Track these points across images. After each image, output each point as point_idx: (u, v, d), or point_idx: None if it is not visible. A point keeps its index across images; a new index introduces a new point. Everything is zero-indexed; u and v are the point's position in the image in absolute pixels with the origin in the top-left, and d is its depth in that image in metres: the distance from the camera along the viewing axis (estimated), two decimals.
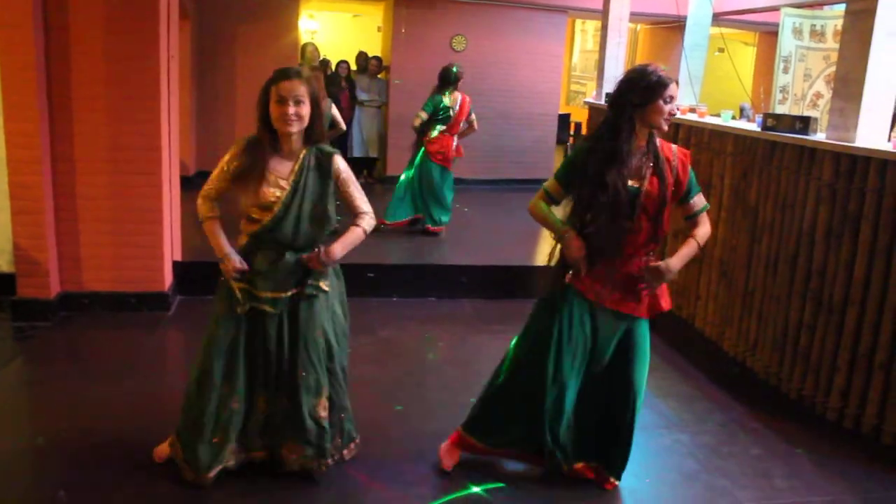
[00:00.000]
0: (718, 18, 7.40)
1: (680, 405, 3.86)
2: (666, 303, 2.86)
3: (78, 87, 4.39)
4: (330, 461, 2.88)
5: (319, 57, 8.83)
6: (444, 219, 6.68)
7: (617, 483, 3.01)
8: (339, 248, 2.76)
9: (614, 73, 6.72)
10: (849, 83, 3.56)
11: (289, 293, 2.75)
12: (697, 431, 3.58)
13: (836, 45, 4.23)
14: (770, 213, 4.04)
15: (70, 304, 4.62)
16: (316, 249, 2.76)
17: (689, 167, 2.80)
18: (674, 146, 2.80)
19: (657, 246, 2.79)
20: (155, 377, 3.87)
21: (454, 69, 6.44)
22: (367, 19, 11.93)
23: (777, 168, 3.98)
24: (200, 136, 8.42)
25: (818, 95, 6.42)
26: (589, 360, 2.86)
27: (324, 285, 2.83)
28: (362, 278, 5.31)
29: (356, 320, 4.77)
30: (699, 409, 3.83)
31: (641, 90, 2.59)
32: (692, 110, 5.15)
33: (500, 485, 2.99)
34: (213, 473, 2.81)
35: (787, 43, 6.55)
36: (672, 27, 10.26)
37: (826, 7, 6.90)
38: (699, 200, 2.83)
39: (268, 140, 2.67)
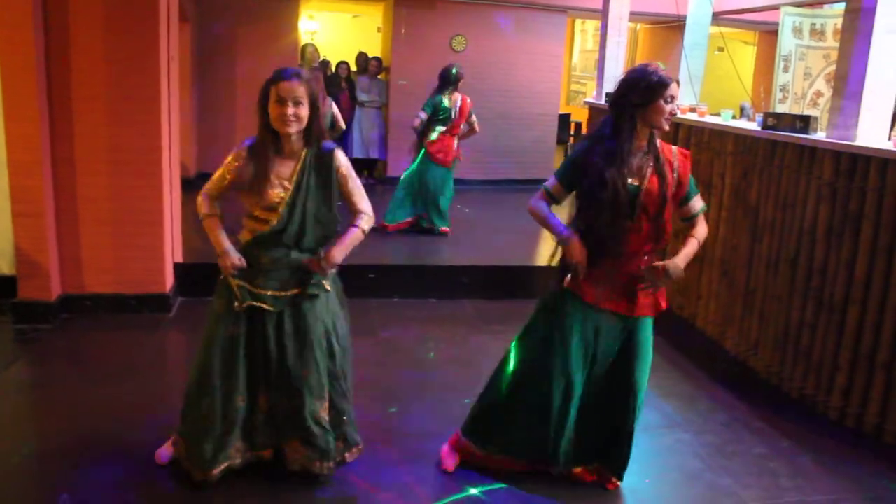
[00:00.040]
0: (718, 17, 7.39)
1: (682, 405, 3.86)
2: (664, 302, 2.86)
3: (78, 89, 4.39)
4: (332, 464, 2.88)
5: (319, 58, 8.84)
6: (444, 225, 6.68)
7: (619, 483, 3.01)
8: (340, 252, 2.76)
9: (614, 72, 6.72)
10: (849, 82, 3.56)
11: (290, 293, 2.75)
12: (700, 431, 3.58)
13: (836, 44, 4.23)
14: (771, 212, 4.04)
15: (71, 307, 4.62)
16: (316, 254, 2.77)
17: (689, 169, 2.80)
18: (674, 147, 2.80)
19: (659, 246, 2.79)
20: (156, 379, 3.87)
21: (454, 70, 6.45)
22: (367, 20, 11.94)
23: (777, 167, 3.98)
24: (201, 137, 8.43)
25: (818, 94, 6.42)
26: (591, 364, 2.86)
27: (326, 284, 2.83)
28: (363, 279, 5.31)
29: (357, 321, 4.78)
30: (701, 409, 3.83)
31: (642, 90, 2.59)
32: (692, 110, 5.15)
33: (501, 486, 2.99)
34: (218, 471, 2.80)
35: (787, 42, 6.55)
36: (672, 26, 10.26)
37: (826, 6, 6.90)
38: (698, 202, 2.84)
39: (270, 141, 2.67)
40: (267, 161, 2.66)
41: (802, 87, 6.54)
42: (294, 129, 2.63)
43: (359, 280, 5.27)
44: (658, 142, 2.75)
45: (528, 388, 2.89)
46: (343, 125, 6.32)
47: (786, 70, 6.59)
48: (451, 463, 3.07)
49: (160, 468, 2.94)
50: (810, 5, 6.84)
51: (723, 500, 3.00)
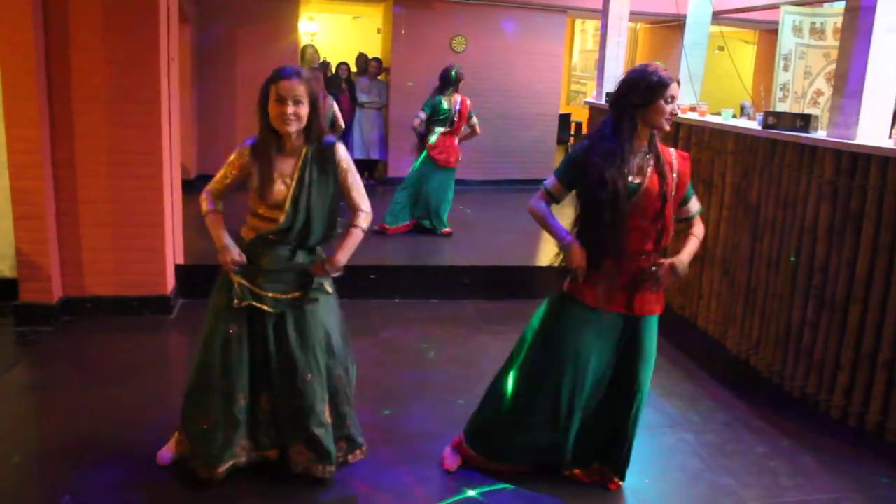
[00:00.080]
0: (718, 17, 7.39)
1: (683, 404, 3.86)
2: (664, 300, 2.86)
3: (78, 90, 4.39)
4: (333, 467, 2.87)
5: (319, 59, 8.84)
6: (445, 227, 6.68)
7: (621, 483, 3.01)
8: (343, 254, 2.77)
9: (614, 72, 6.72)
10: (849, 80, 3.56)
11: (290, 296, 2.75)
12: (701, 430, 3.58)
13: (837, 43, 4.23)
14: (771, 211, 4.03)
15: (72, 309, 4.63)
16: (319, 259, 2.77)
17: (689, 172, 2.81)
18: (672, 150, 2.80)
19: (660, 246, 2.79)
20: (157, 380, 3.87)
21: (453, 72, 6.45)
22: (367, 21, 11.95)
23: (778, 166, 3.98)
24: (201, 139, 8.43)
25: (819, 93, 6.41)
26: (595, 366, 2.86)
27: (327, 287, 2.83)
28: (364, 280, 5.31)
29: (358, 322, 4.82)
30: (703, 408, 3.83)
31: (642, 90, 2.60)
32: (693, 109, 5.15)
33: (502, 486, 2.99)
34: (223, 468, 2.80)
35: (787, 41, 6.54)
36: (672, 26, 10.26)
37: (826, 4, 6.89)
38: (695, 204, 2.87)
39: (272, 140, 2.67)
40: (269, 159, 2.67)
41: (803, 86, 6.54)
42: (294, 127, 2.63)
43: (360, 281, 5.27)
44: (658, 143, 2.75)
45: (534, 398, 2.89)
46: (343, 125, 6.33)
47: (786, 69, 6.58)
48: (452, 463, 3.08)
49: (162, 469, 2.94)
50: (810, 4, 6.84)
51: (723, 499, 3.00)
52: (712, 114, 5.04)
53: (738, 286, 4.33)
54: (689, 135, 4.90)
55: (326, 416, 2.83)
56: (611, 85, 6.32)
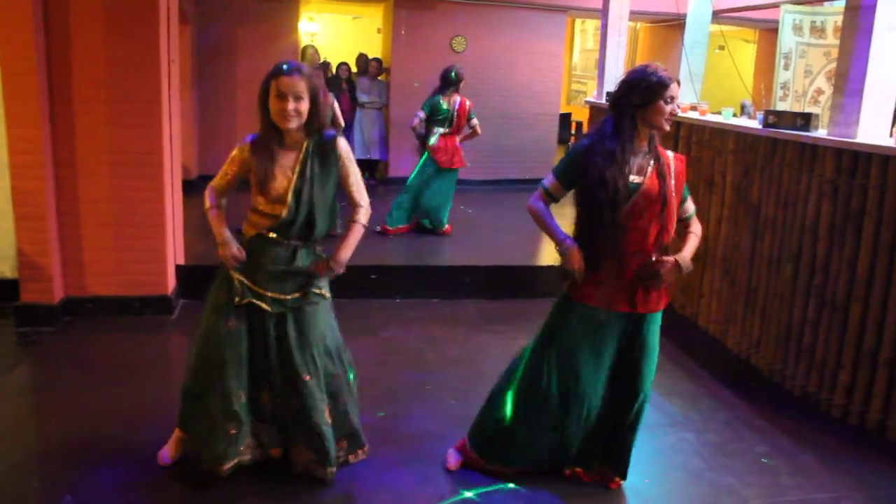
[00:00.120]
0: (718, 16, 7.39)
1: (684, 403, 3.86)
2: (667, 298, 2.86)
3: (79, 91, 4.40)
4: (334, 468, 2.87)
5: (320, 59, 8.83)
6: (445, 219, 6.69)
7: (622, 482, 3.01)
8: (346, 252, 2.78)
9: (615, 72, 6.72)
10: (849, 79, 3.56)
11: (289, 296, 2.75)
12: (702, 430, 3.58)
13: (837, 41, 4.22)
14: (772, 210, 4.03)
15: (73, 309, 4.63)
16: (322, 258, 2.77)
17: (685, 174, 2.81)
18: (669, 152, 2.80)
19: (660, 246, 2.79)
20: (159, 380, 3.87)
21: (453, 73, 6.45)
22: (367, 21, 11.95)
23: (779, 165, 3.98)
24: (202, 139, 8.44)
25: (819, 92, 6.41)
26: (600, 366, 2.87)
27: (325, 291, 2.83)
28: (365, 280, 5.32)
29: (358, 322, 4.82)
30: (704, 408, 3.83)
31: (642, 91, 2.60)
32: (693, 108, 5.15)
33: (503, 486, 2.99)
34: (228, 465, 2.79)
35: (787, 39, 6.54)
36: (672, 25, 10.26)
37: (826, 3, 6.89)
38: (690, 205, 2.89)
39: (273, 134, 2.67)
40: (271, 154, 2.67)
41: (803, 85, 6.53)
42: (294, 124, 2.63)
43: (360, 281, 5.27)
44: (657, 144, 2.76)
45: (536, 399, 2.89)
46: (343, 124, 6.33)
47: (786, 68, 6.58)
48: (454, 463, 3.08)
49: (163, 469, 2.95)
50: (810, 3, 6.84)
51: (724, 498, 3.00)
52: (713, 113, 5.04)
53: (739, 285, 4.33)
54: (690, 134, 4.90)
55: (326, 417, 2.83)
56: (611, 84, 6.32)
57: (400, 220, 6.62)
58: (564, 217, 2.91)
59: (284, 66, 2.61)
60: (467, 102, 6.56)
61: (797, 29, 6.48)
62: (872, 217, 3.38)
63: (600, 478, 3.02)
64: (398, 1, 8.96)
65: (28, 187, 4.34)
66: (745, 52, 11.89)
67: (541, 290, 5.33)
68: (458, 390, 3.86)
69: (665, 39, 10.93)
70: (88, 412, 3.44)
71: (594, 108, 6.89)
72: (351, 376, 2.97)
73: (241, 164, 2.73)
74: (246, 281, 2.73)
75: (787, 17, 6.47)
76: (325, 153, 2.73)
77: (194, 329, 2.95)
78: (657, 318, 2.83)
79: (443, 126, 6.49)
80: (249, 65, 8.31)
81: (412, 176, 6.67)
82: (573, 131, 12.99)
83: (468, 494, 2.93)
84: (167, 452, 2.99)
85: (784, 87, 6.59)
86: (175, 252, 4.96)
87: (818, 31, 6.37)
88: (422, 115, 6.47)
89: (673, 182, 2.73)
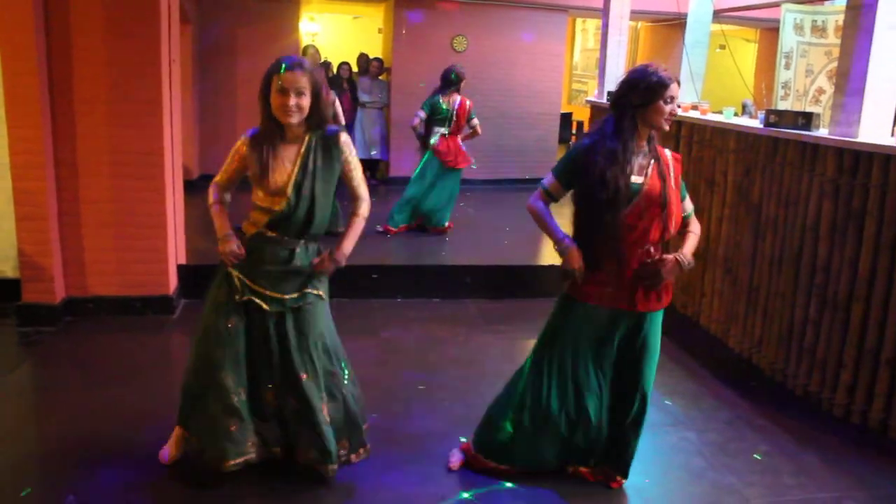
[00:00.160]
0: (719, 15, 7.39)
1: (686, 403, 3.86)
2: (669, 296, 2.86)
3: (79, 92, 4.40)
4: (335, 465, 2.87)
5: (321, 59, 8.83)
6: (446, 219, 6.70)
7: (623, 481, 3.01)
8: (349, 245, 2.81)
9: (615, 71, 6.72)
10: (851, 78, 3.56)
11: (288, 296, 2.75)
12: (704, 429, 3.57)
13: (838, 41, 4.22)
14: (773, 209, 4.03)
15: (75, 309, 4.63)
16: (324, 253, 2.77)
17: (680, 172, 2.82)
18: (667, 151, 2.81)
19: (661, 244, 2.79)
20: (160, 380, 3.87)
21: (453, 73, 6.45)
22: (368, 21, 11.95)
23: (780, 164, 3.98)
24: (203, 139, 8.45)
25: (820, 91, 6.40)
26: (602, 365, 2.87)
27: (322, 291, 2.83)
28: (365, 279, 5.32)
29: (359, 322, 4.82)
30: (705, 407, 3.83)
31: (642, 91, 2.60)
32: (694, 108, 5.15)
33: (504, 485, 2.98)
34: (231, 462, 2.78)
35: (788, 39, 6.54)
36: (673, 25, 10.26)
37: (827, 2, 6.88)
38: (688, 204, 2.88)
39: (274, 129, 2.67)
40: (272, 147, 2.66)
41: (804, 84, 6.53)
42: (295, 119, 2.63)
43: (361, 280, 5.28)
44: (656, 143, 2.76)
45: (540, 399, 2.89)
46: (343, 122, 6.33)
47: (787, 67, 6.57)
48: (455, 462, 3.08)
49: (164, 468, 2.95)
50: (811, 2, 6.83)
51: (726, 498, 3.00)
52: (714, 112, 5.04)
53: (741, 284, 4.33)
54: (691, 133, 4.90)
55: (325, 415, 2.83)
56: (612, 84, 6.32)
57: (402, 221, 6.62)
58: (564, 217, 2.91)
59: (286, 61, 2.60)
60: (467, 102, 6.56)
61: (798, 28, 6.48)
62: (874, 216, 3.38)
63: (603, 477, 3.01)
64: (399, 1, 8.96)
65: (29, 188, 4.34)
66: (746, 52, 11.88)
67: (541, 289, 5.33)
68: (458, 390, 3.87)
69: (666, 39, 10.93)
70: (90, 412, 3.44)
71: (595, 108, 6.89)
72: (346, 374, 2.96)
73: (242, 159, 2.73)
74: (245, 279, 2.73)
75: (788, 16, 6.47)
76: (327, 147, 2.73)
77: (195, 328, 2.94)
78: (658, 318, 2.83)
79: (443, 126, 6.49)
80: (250, 65, 8.31)
81: (414, 177, 6.66)
82: (574, 131, 12.98)
83: (467, 495, 2.93)
84: (168, 451, 2.99)
85: (785, 86, 6.59)
86: (176, 252, 4.96)
87: (819, 30, 6.37)
88: (422, 114, 6.47)
89: (673, 182, 2.73)
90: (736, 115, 4.79)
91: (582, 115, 12.07)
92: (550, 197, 2.82)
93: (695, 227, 2.88)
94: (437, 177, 6.57)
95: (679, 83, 2.69)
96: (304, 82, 2.59)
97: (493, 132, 8.93)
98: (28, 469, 2.99)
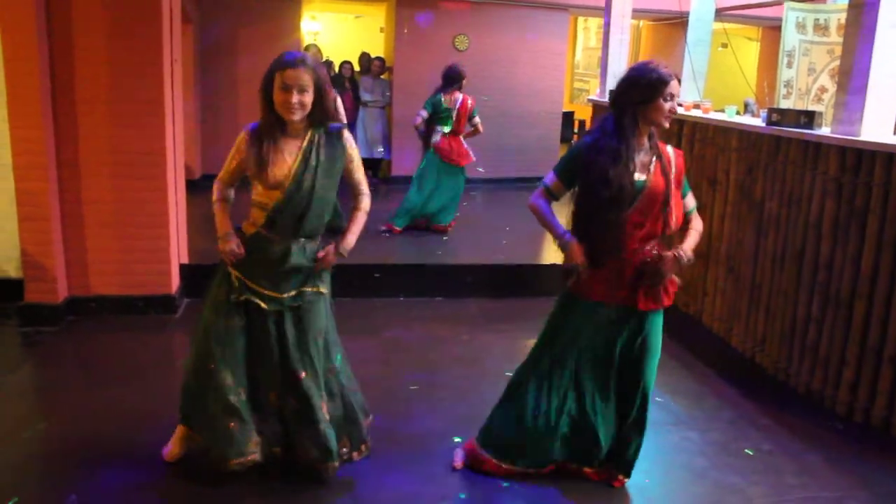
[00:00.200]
0: (721, 14, 7.38)
1: (688, 402, 3.85)
2: (672, 293, 2.86)
3: (81, 92, 4.40)
4: (335, 463, 2.87)
5: (322, 58, 8.83)
6: (449, 218, 6.70)
7: (626, 481, 3.00)
8: (352, 238, 2.82)
9: (617, 70, 6.71)
10: (853, 77, 3.55)
11: (286, 295, 2.75)
12: (706, 428, 3.57)
13: (840, 39, 4.21)
14: (776, 207, 4.03)
15: (77, 309, 4.64)
16: (329, 246, 2.77)
17: (683, 168, 2.81)
18: (668, 147, 2.81)
19: (662, 240, 2.79)
20: (163, 379, 3.87)
21: (453, 72, 6.44)
22: (370, 20, 11.95)
23: (782, 163, 3.97)
24: (205, 139, 8.45)
25: (823, 90, 6.39)
26: (604, 362, 2.87)
27: (322, 288, 2.83)
28: (368, 279, 5.32)
29: (361, 321, 4.82)
30: (708, 406, 3.82)
31: (642, 88, 2.61)
32: (696, 106, 5.14)
33: (506, 484, 2.98)
34: (235, 462, 2.77)
35: (790, 37, 6.53)
36: (674, 23, 10.24)
37: (829, 0, 6.87)
38: (691, 200, 2.88)
39: (275, 123, 2.67)
40: (272, 141, 2.66)
41: (806, 83, 6.52)
42: (298, 116, 2.63)
43: (363, 279, 5.28)
44: (657, 140, 2.76)
45: (542, 397, 2.90)
46: (345, 119, 6.33)
47: (789, 66, 6.56)
48: (458, 461, 3.08)
49: (166, 468, 2.95)
50: (814, 0, 6.82)
51: (729, 497, 3.00)
52: (716, 111, 5.03)
53: (743, 283, 4.33)
54: (693, 132, 4.89)
55: (324, 413, 2.83)
56: (614, 82, 6.31)
57: (406, 219, 6.62)
58: (563, 217, 2.90)
59: (289, 58, 2.60)
60: (469, 100, 6.56)
61: (800, 27, 6.47)
62: (876, 214, 3.37)
63: (606, 476, 3.01)
64: (401, 0, 8.95)
65: (31, 188, 4.34)
66: (749, 50, 11.87)
67: (543, 288, 5.32)
68: (460, 389, 3.86)
69: (668, 37, 10.91)
70: (92, 411, 3.45)
71: (597, 107, 6.88)
72: (343, 369, 2.96)
73: (243, 154, 2.72)
74: (243, 278, 2.73)
75: (791, 14, 6.46)
76: (330, 143, 2.72)
77: (194, 326, 2.95)
78: (659, 317, 2.83)
79: (445, 124, 6.49)
80: (252, 64, 8.29)
81: (414, 183, 6.64)
82: (576, 130, 12.97)
83: (467, 495, 2.93)
84: (170, 449, 2.99)
85: (787, 84, 6.58)
86: (179, 251, 4.96)
87: (821, 28, 6.35)
88: (424, 114, 6.47)
89: (674, 176, 2.73)
90: (738, 113, 4.79)
91: (584, 113, 12.06)
92: (552, 195, 2.82)
93: (696, 224, 2.88)
94: (440, 177, 6.57)
95: (679, 80, 2.69)
96: (306, 79, 2.58)
97: (494, 131, 8.91)
98: (30, 469, 3.00)
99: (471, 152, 6.71)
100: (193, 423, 2.90)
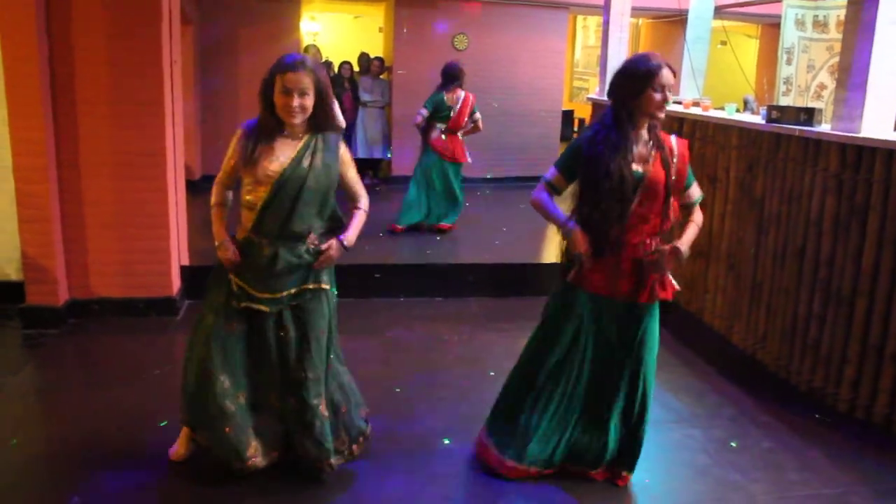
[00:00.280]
0: (720, 11, 7.38)
1: (690, 400, 3.85)
2: (670, 287, 2.86)
3: (81, 93, 4.40)
4: (334, 460, 2.88)
5: (322, 59, 8.84)
6: (453, 218, 6.70)
7: (629, 477, 3.00)
8: (354, 234, 2.83)
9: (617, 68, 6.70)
10: (853, 73, 3.55)
11: (283, 294, 2.75)
12: (708, 426, 3.57)
13: (840, 36, 4.22)
14: (776, 205, 4.03)
15: (79, 311, 4.64)
16: (330, 241, 2.77)
17: (688, 158, 2.82)
18: (672, 137, 2.82)
19: (661, 233, 2.80)
20: (164, 381, 3.87)
21: (452, 70, 6.44)
22: (369, 20, 11.94)
23: (782, 160, 3.97)
24: (205, 139, 8.45)
25: (822, 86, 6.39)
26: (602, 354, 2.87)
27: (324, 285, 2.83)
28: (369, 279, 5.32)
29: (363, 321, 4.82)
30: (709, 404, 3.82)
31: (632, 80, 2.65)
32: (696, 104, 5.14)
33: (507, 482, 2.98)
34: (237, 466, 2.78)
35: (789, 34, 6.53)
36: (674, 21, 10.23)
37: None
38: (696, 190, 2.88)
39: (273, 124, 2.67)
40: (267, 139, 2.66)
41: (806, 80, 6.52)
42: (299, 119, 2.63)
43: (364, 280, 5.28)
44: (659, 131, 2.77)
45: (547, 392, 2.91)
46: (343, 124, 6.33)
47: (789, 63, 6.56)
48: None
49: (168, 469, 2.96)
50: None
51: (731, 494, 3.00)
52: (716, 109, 5.03)
53: (744, 280, 4.33)
54: (694, 130, 4.89)
55: (323, 411, 2.83)
56: None
57: (412, 218, 6.62)
58: (565, 211, 2.90)
59: (289, 61, 2.59)
60: (471, 98, 6.56)
61: (799, 23, 6.47)
62: (877, 211, 3.37)
63: (610, 475, 3.01)
64: (399, 0, 8.95)
65: (32, 190, 4.35)
66: (748, 48, 11.86)
67: (545, 287, 5.29)
68: (462, 388, 3.87)
69: (667, 35, 10.91)
70: (94, 413, 3.45)
71: (596, 105, 6.87)
72: (338, 363, 2.97)
73: (240, 151, 2.71)
74: (242, 284, 2.74)
75: (790, 11, 6.46)
76: (327, 151, 2.73)
77: (192, 328, 2.94)
78: (655, 309, 2.85)
79: (446, 122, 6.49)
80: (251, 64, 8.31)
81: (414, 174, 6.66)
82: (576, 128, 12.96)
83: (468, 495, 2.93)
84: (176, 450, 3.00)
85: (787, 82, 6.58)
86: (179, 253, 4.96)
87: (821, 25, 6.36)
88: (425, 112, 6.47)
89: (676, 164, 2.74)
90: (738, 111, 4.78)
91: (583, 112, 12.05)
92: (554, 189, 2.84)
93: (697, 217, 2.88)
94: (437, 173, 6.57)
95: (674, 71, 2.69)
96: (307, 82, 2.58)
97: (494, 130, 8.91)
98: (33, 470, 3.00)
99: (467, 153, 6.71)
100: (194, 424, 2.90)
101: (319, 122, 2.70)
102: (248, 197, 2.70)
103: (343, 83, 8.78)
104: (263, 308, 2.74)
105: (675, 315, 4.89)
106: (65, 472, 2.97)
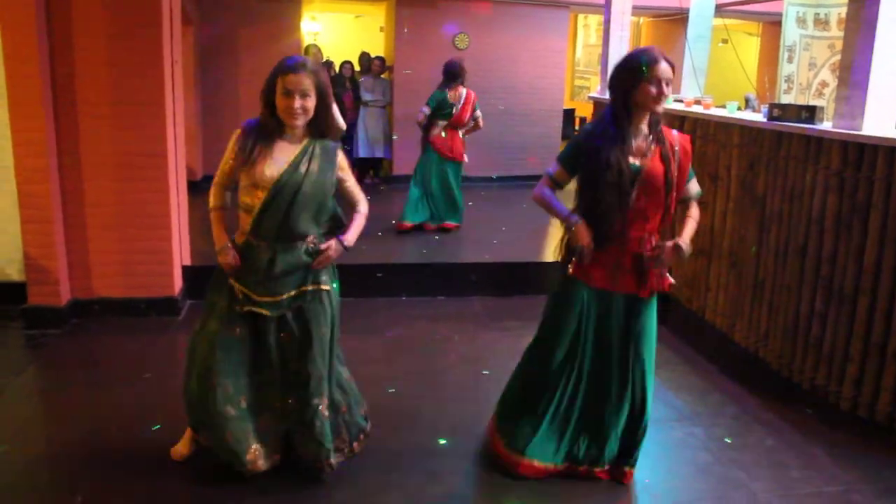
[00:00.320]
0: (721, 9, 7.37)
1: (692, 398, 3.85)
2: (668, 281, 2.87)
3: (82, 95, 4.41)
4: (334, 459, 2.88)
5: (323, 58, 8.84)
6: (458, 217, 6.70)
7: (632, 473, 3.00)
8: (353, 235, 2.84)
9: None
10: (854, 71, 3.54)
11: (284, 296, 2.75)
12: (711, 424, 3.57)
13: (841, 34, 4.21)
14: (778, 203, 4.02)
15: (81, 311, 4.64)
16: (329, 241, 2.77)
17: (690, 153, 2.82)
18: (674, 131, 2.83)
19: (662, 228, 2.80)
20: (166, 381, 3.87)
21: (453, 68, 6.45)
22: (370, 20, 11.95)
23: (784, 158, 3.97)
24: (206, 140, 8.45)
25: (823, 84, 6.38)
26: (603, 351, 2.88)
27: (324, 285, 2.83)
28: (371, 278, 5.32)
29: (365, 320, 4.83)
30: (712, 402, 3.82)
31: (627, 74, 2.66)
32: (697, 102, 5.14)
33: (509, 480, 2.98)
34: (239, 468, 2.79)
35: (790, 32, 6.52)
36: (675, 19, 10.23)
37: None
38: (694, 185, 2.89)
39: (274, 126, 2.67)
40: (267, 140, 2.65)
41: (807, 78, 6.51)
42: (301, 121, 2.63)
43: (365, 279, 5.28)
44: (661, 126, 2.77)
45: (549, 385, 2.91)
46: (344, 126, 6.32)
47: (790, 60, 6.56)
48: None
49: (169, 469, 2.96)
50: None
51: (733, 493, 3.00)
52: (717, 107, 5.03)
53: (746, 279, 4.32)
54: (695, 128, 4.88)
55: (324, 411, 2.83)
56: None
57: (413, 215, 6.62)
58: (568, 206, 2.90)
59: (290, 63, 2.60)
60: (473, 96, 6.57)
61: (801, 21, 6.46)
62: (879, 209, 3.37)
63: (613, 473, 3.01)
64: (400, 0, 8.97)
65: (34, 191, 4.35)
66: (749, 46, 11.85)
67: (547, 286, 5.30)
68: (465, 388, 3.87)
69: (668, 34, 10.90)
70: (96, 413, 3.45)
71: (597, 104, 6.87)
72: (338, 361, 2.97)
73: (238, 152, 2.70)
74: (244, 289, 2.74)
75: (791, 9, 6.45)
76: (325, 157, 2.72)
77: (193, 331, 2.94)
78: (653, 303, 2.86)
79: (447, 119, 6.50)
80: (252, 64, 8.33)
81: (414, 172, 6.67)
82: (577, 127, 12.96)
83: (470, 493, 2.93)
84: (178, 449, 3.01)
85: (788, 80, 6.57)
86: (181, 253, 4.97)
87: (822, 23, 6.35)
88: (426, 110, 6.48)
89: (676, 162, 2.74)
90: (739, 109, 4.78)
91: (585, 111, 12.05)
92: (556, 183, 2.85)
93: (694, 212, 2.89)
94: (438, 168, 6.57)
95: (672, 65, 2.68)
96: (308, 84, 2.58)
97: (496, 129, 8.92)
98: (35, 470, 3.00)
99: (465, 154, 6.71)
100: (196, 425, 2.90)
101: (320, 124, 2.70)
102: (245, 199, 2.70)
103: (344, 83, 8.78)
104: (265, 312, 2.74)
105: (677, 313, 4.89)
106: (67, 472, 2.97)
